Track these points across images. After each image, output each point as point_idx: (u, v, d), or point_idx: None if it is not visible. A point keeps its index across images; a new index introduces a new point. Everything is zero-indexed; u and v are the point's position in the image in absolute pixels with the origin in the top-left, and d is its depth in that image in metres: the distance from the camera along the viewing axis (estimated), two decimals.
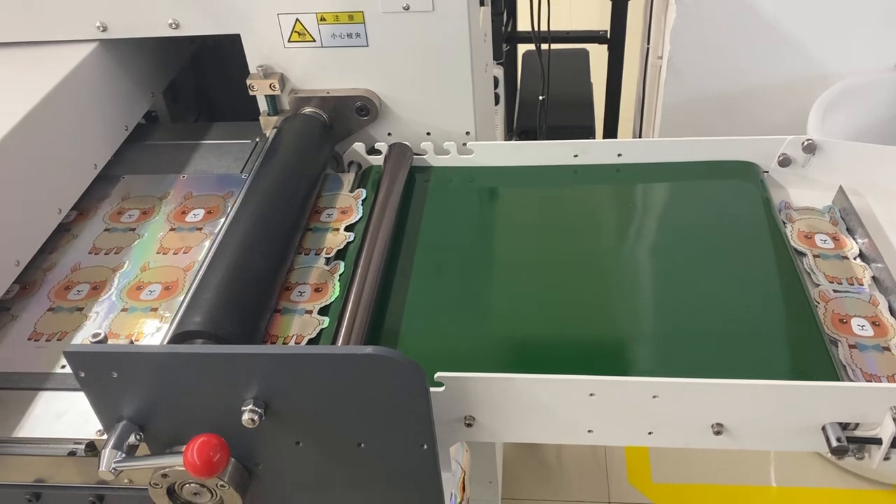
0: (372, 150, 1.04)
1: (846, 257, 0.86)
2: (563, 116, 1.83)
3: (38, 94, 0.88)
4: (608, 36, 1.88)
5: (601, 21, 1.97)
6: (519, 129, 1.85)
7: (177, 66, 1.22)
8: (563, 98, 1.87)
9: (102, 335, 0.63)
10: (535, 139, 1.77)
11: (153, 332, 0.80)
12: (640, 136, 2.23)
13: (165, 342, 0.76)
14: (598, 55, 1.99)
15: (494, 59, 1.55)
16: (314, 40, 0.97)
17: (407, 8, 0.92)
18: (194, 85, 1.31)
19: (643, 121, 2.18)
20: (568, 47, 2.03)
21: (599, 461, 1.76)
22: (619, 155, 1.00)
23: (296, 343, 0.77)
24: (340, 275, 0.85)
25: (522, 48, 2.01)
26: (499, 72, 1.74)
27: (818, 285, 0.83)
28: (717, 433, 0.68)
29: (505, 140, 1.80)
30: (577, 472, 1.74)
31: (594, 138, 1.85)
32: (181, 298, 0.83)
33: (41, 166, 0.88)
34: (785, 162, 0.97)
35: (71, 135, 0.94)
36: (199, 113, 1.32)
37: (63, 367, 0.77)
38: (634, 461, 1.76)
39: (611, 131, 2.01)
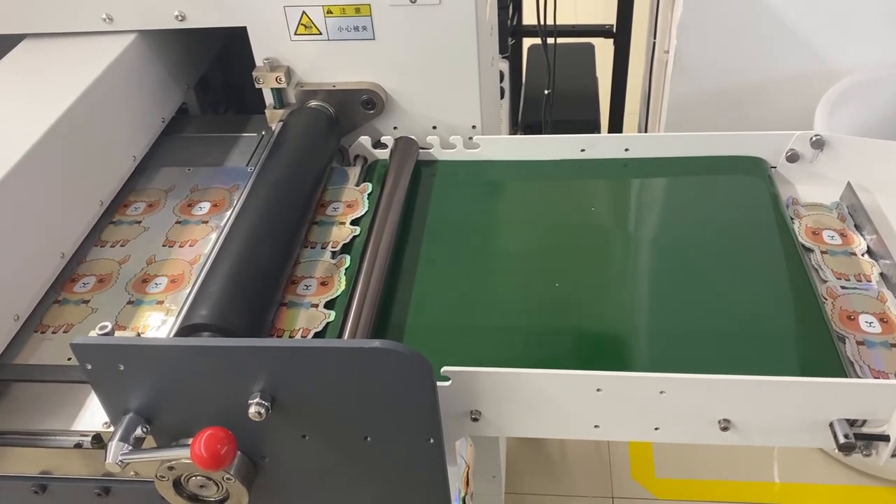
0: (378, 144, 1.04)
1: (854, 253, 0.86)
2: (568, 111, 1.83)
3: (82, 86, 0.88)
4: (614, 30, 1.87)
5: (607, 15, 1.96)
6: (524, 123, 1.84)
7: (208, 57, 1.22)
8: (569, 92, 1.86)
9: (109, 328, 0.63)
10: (540, 133, 1.76)
11: (159, 325, 0.80)
12: (645, 131, 2.22)
13: (172, 335, 0.76)
14: (604, 49, 1.98)
15: (500, 52, 1.54)
16: (320, 33, 0.97)
17: (414, 1, 0.92)
18: (223, 77, 1.31)
19: (649, 115, 2.17)
20: (573, 41, 2.02)
21: (603, 456, 1.76)
22: (627, 150, 1.00)
23: (302, 336, 0.77)
24: (346, 269, 0.85)
25: (528, 42, 2.00)
26: (504, 66, 1.73)
27: (826, 281, 0.82)
28: (724, 429, 0.68)
29: (510, 134, 1.80)
30: (581, 467, 1.74)
31: (599, 133, 1.85)
32: (187, 291, 0.83)
33: (84, 158, 0.88)
34: (793, 157, 0.97)
35: (112, 126, 0.94)
36: (227, 105, 1.32)
37: (69, 359, 0.77)
38: (638, 456, 1.76)
39: (616, 126, 2.00)
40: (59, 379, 0.76)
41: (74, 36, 0.99)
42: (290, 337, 0.77)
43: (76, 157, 0.86)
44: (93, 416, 0.72)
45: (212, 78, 1.26)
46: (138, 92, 1.00)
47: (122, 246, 0.91)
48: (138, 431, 0.65)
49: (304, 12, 0.95)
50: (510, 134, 1.82)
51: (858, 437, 0.66)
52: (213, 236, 0.91)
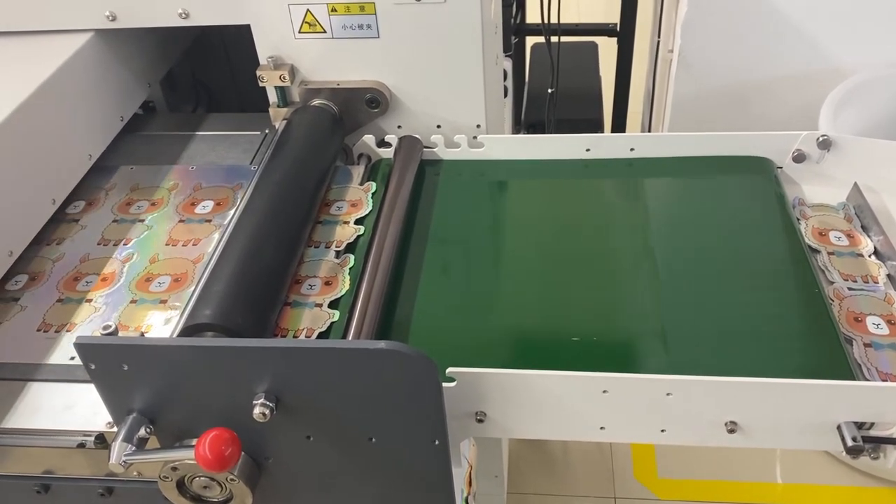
0: (382, 143, 1.03)
1: (861, 255, 0.85)
2: (571, 110, 1.82)
3: (32, 85, 0.87)
4: (618, 29, 1.87)
5: (610, 14, 1.96)
6: (527, 122, 1.84)
7: (175, 55, 1.21)
8: (572, 91, 1.86)
9: (113, 327, 0.63)
10: (544, 132, 1.76)
11: (162, 325, 0.80)
12: (649, 131, 2.22)
13: (175, 335, 0.75)
14: (608, 48, 1.97)
15: (504, 51, 1.54)
16: (325, 31, 0.96)
17: None
18: (192, 75, 1.30)
19: (652, 115, 2.17)
20: (577, 40, 2.01)
21: (605, 456, 1.76)
22: (632, 149, 0.99)
23: (306, 337, 0.77)
24: (350, 268, 0.85)
25: (531, 41, 2.00)
26: (507, 64, 1.73)
27: (833, 283, 0.82)
28: (731, 431, 0.68)
29: (512, 133, 1.79)
30: (583, 467, 1.74)
31: (603, 132, 1.85)
32: (190, 290, 0.82)
33: (34, 157, 0.87)
34: (799, 158, 0.96)
35: (65, 125, 0.93)
36: (196, 103, 1.31)
37: (72, 358, 0.76)
38: (640, 456, 1.75)
39: (619, 125, 2.00)
40: (63, 378, 0.75)
41: (30, 34, 0.98)
42: (294, 337, 0.77)
43: (27, 155, 0.85)
44: (96, 415, 0.71)
45: (179, 75, 1.25)
46: (95, 90, 0.99)
47: (125, 244, 0.90)
48: (142, 432, 0.65)
49: (308, 10, 0.95)
50: (513, 133, 1.81)
51: (866, 439, 0.65)
52: (217, 235, 0.90)
